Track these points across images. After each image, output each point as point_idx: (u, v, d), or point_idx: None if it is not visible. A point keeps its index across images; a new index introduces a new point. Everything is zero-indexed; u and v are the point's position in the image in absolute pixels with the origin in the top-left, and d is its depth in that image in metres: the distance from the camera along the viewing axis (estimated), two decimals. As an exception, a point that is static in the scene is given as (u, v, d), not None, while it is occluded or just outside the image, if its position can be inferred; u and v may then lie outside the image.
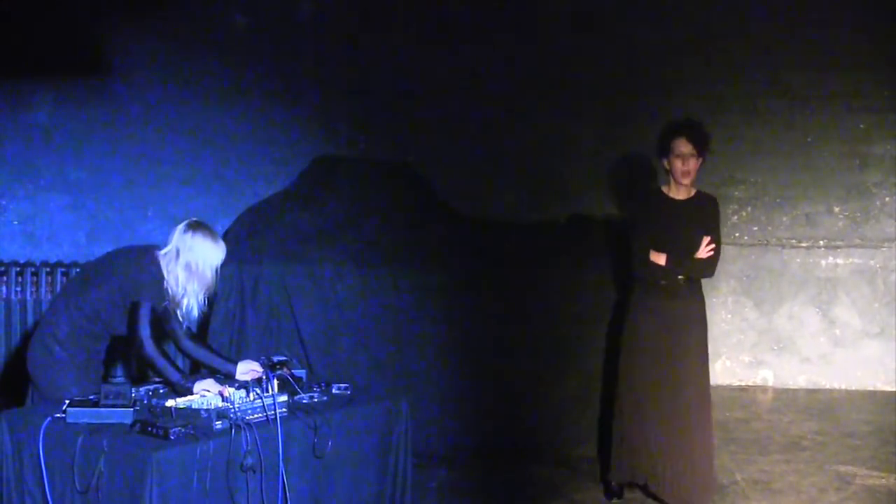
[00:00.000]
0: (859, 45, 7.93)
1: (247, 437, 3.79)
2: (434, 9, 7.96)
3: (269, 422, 3.94)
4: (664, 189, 5.33)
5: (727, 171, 8.11)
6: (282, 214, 6.65)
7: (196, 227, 4.41)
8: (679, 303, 5.20)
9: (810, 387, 8.10)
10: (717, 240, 5.20)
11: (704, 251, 5.15)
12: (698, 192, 5.32)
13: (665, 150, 5.23)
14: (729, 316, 8.20)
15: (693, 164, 5.17)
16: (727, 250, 8.08)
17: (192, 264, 4.35)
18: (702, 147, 5.20)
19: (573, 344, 6.27)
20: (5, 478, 3.91)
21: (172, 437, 3.63)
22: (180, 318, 4.47)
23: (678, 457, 5.15)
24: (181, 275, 4.35)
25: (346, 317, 6.12)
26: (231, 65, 7.90)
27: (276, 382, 4.17)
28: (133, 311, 4.28)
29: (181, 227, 4.42)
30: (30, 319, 7.11)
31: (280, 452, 3.90)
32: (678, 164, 5.17)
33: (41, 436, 3.77)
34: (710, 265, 5.20)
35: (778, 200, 8.16)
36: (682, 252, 5.16)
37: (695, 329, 5.24)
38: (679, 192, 5.26)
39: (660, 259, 5.15)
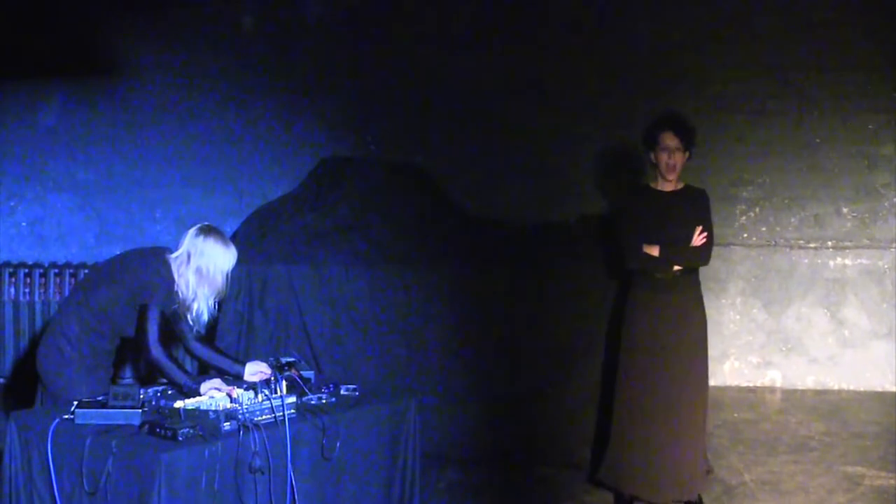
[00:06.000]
0: (867, 46, 7.93)
1: (255, 438, 3.79)
2: (438, 11, 7.97)
3: (277, 423, 3.94)
4: (651, 184, 5.30)
5: (735, 172, 8.12)
6: (289, 215, 6.65)
7: (208, 231, 4.41)
8: (676, 297, 5.14)
9: (818, 388, 8.08)
10: (708, 228, 5.15)
11: (698, 239, 5.11)
12: (687, 185, 5.28)
13: (651, 144, 5.20)
14: (737, 317, 8.19)
15: (679, 157, 5.15)
16: (735, 251, 8.12)
17: (202, 269, 4.35)
18: (688, 141, 5.17)
19: (582, 343, 6.25)
20: (14, 478, 3.91)
21: (181, 439, 3.63)
22: (190, 322, 4.47)
23: (669, 454, 5.09)
24: (192, 279, 4.35)
25: (354, 317, 6.12)
26: (238, 67, 7.92)
27: (284, 383, 4.17)
28: (142, 313, 4.29)
29: (193, 231, 4.42)
30: (38, 321, 7.13)
31: (288, 454, 3.90)
32: (664, 158, 5.14)
33: (50, 437, 3.76)
34: (703, 253, 5.14)
35: (786, 201, 8.15)
36: (674, 243, 5.11)
37: (694, 325, 5.19)
38: (666, 185, 5.23)
39: (653, 250, 5.10)
